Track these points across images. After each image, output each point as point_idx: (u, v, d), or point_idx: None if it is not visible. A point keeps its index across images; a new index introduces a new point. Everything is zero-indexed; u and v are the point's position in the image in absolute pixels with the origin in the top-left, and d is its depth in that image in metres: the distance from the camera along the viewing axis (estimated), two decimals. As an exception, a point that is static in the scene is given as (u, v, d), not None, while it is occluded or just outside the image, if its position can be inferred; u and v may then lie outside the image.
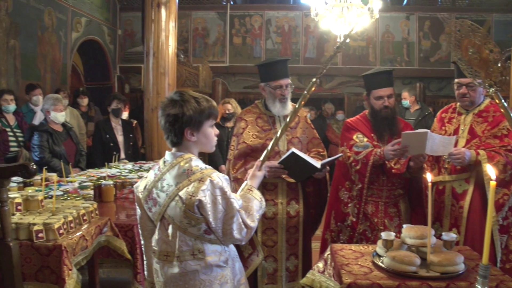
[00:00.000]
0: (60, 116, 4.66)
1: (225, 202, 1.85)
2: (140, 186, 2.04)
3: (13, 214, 2.56)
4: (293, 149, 2.72)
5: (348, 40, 2.51)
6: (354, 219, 3.08)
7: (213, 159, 5.57)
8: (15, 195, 2.74)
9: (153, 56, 6.17)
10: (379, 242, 2.24)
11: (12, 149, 5.12)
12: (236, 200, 1.92)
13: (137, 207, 2.08)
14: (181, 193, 1.83)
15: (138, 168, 4.67)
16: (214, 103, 1.99)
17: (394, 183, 3.06)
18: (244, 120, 3.11)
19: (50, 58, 7.46)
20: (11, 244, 2.32)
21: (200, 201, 1.80)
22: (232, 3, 10.49)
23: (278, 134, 2.56)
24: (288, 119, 2.61)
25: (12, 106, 5.21)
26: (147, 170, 4.49)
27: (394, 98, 3.11)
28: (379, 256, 2.21)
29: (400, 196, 3.10)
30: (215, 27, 10.38)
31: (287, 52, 10.21)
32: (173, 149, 1.98)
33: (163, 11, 6.22)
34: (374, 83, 3.09)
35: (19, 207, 2.68)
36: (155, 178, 1.95)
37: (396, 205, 3.09)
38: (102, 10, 9.46)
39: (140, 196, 2.02)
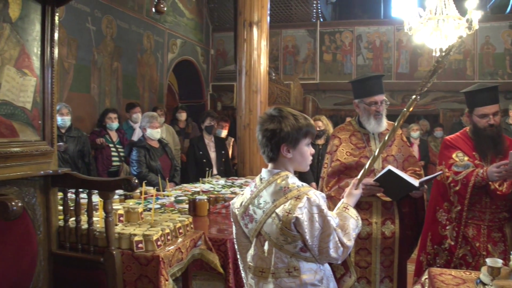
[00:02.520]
0: (155, 132, 4.90)
1: (322, 220, 1.82)
2: (236, 203, 2.07)
3: (116, 225, 2.71)
4: (390, 167, 2.63)
5: (451, 53, 2.38)
6: (452, 243, 2.90)
7: (304, 176, 5.53)
8: (118, 207, 2.91)
9: (246, 74, 6.30)
10: (484, 269, 2.07)
11: (114, 163, 5.49)
12: (333, 218, 1.88)
13: (233, 223, 2.11)
14: (278, 210, 1.83)
15: (230, 183, 4.77)
16: (312, 122, 1.97)
17: (498, 205, 2.84)
18: (338, 138, 3.07)
19: (148, 78, 7.92)
20: (114, 252, 2.45)
21: (297, 218, 1.78)
22: (321, 20, 10.49)
23: (376, 153, 2.49)
24: (386, 137, 2.53)
25: (115, 124, 5.60)
26: (239, 186, 4.58)
27: (500, 115, 2.90)
28: (484, 284, 2.04)
29: (506, 219, 2.87)
30: (305, 45, 10.43)
31: (378, 67, 9.99)
32: (269, 166, 1.99)
33: (255, 31, 6.36)
34: (478, 100, 2.89)
35: (121, 218, 2.84)
36: (251, 195, 1.97)
37: (501, 229, 2.85)
38: (195, 31, 9.90)
39: (236, 212, 2.05)
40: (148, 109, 7.22)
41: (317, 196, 1.85)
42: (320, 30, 10.32)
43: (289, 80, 9.28)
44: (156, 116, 5.04)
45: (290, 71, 10.49)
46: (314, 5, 10.27)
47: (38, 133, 2.51)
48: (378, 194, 2.86)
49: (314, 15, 10.38)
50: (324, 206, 1.85)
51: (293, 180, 1.91)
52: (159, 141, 5.04)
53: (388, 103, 3.01)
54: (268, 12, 6.59)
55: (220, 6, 10.55)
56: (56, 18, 2.62)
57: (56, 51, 2.61)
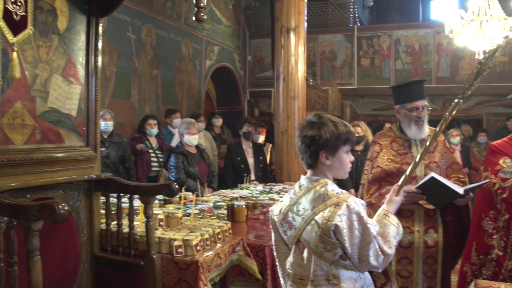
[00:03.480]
0: (193, 139, 4.96)
1: (362, 227, 1.80)
2: (275, 210, 2.07)
3: (156, 229, 2.76)
4: (433, 174, 2.56)
5: (497, 54, 2.30)
6: (500, 253, 2.78)
7: (342, 183, 5.48)
8: (158, 212, 2.96)
9: (283, 80, 6.31)
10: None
11: (153, 168, 5.58)
12: (373, 225, 1.85)
13: (272, 230, 2.11)
14: (317, 218, 1.82)
15: (268, 190, 4.77)
16: (352, 129, 1.95)
17: (552, 214, 2.72)
18: (379, 144, 3.02)
19: (186, 85, 8.04)
20: (154, 256, 2.50)
21: (336, 226, 1.77)
22: (359, 24, 10.38)
23: (417, 159, 2.43)
24: (428, 143, 2.47)
25: (155, 130, 5.70)
26: (277, 192, 4.58)
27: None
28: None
29: (558, 229, 2.74)
30: (342, 50, 10.34)
31: (418, 72, 9.79)
32: (308, 173, 1.98)
33: (292, 37, 6.37)
34: None
35: (161, 223, 2.88)
36: (290, 202, 1.97)
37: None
38: (233, 38, 9.98)
39: (276, 219, 2.04)
40: (186, 115, 7.31)
41: (357, 203, 1.83)
42: (357, 34, 10.22)
43: (326, 85, 9.21)
44: (193, 122, 5.10)
45: (327, 76, 10.42)
46: (351, 10, 10.18)
47: (83, 139, 2.59)
48: (421, 202, 2.79)
49: (351, 20, 10.29)
50: (363, 213, 1.83)
51: (333, 187, 1.89)
52: (197, 147, 5.09)
53: (430, 108, 2.94)
54: (305, 18, 6.58)
55: (256, 13, 10.61)
56: (100, 28, 2.71)
57: (99, 60, 2.69)
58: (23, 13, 1.66)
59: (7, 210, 1.82)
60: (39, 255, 1.79)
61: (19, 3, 1.64)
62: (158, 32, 7.18)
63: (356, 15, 10.24)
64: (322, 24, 10.39)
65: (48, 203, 1.66)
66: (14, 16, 1.62)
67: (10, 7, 1.60)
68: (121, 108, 6.22)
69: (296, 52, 6.36)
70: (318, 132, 1.87)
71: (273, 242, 2.14)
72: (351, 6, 10.15)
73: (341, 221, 1.77)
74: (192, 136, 4.95)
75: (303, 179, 1.97)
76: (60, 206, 1.64)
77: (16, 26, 1.63)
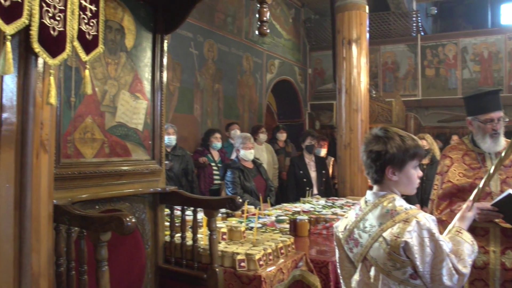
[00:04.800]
0: (249, 153, 4.92)
1: (434, 245, 1.70)
2: (340, 226, 2.01)
3: (219, 242, 2.77)
4: (510, 190, 2.39)
5: None
6: None
7: (408, 198, 5.29)
8: (221, 225, 2.97)
9: (346, 93, 6.22)
10: None
11: (215, 181, 5.65)
12: (446, 242, 1.75)
13: (336, 247, 2.05)
14: (385, 234, 1.74)
15: (331, 204, 4.69)
16: (420, 143, 1.87)
17: None
18: (449, 158, 2.87)
19: (247, 98, 8.11)
20: (217, 270, 2.50)
21: (406, 242, 1.68)
22: (422, 33, 10.07)
23: (492, 170, 2.29)
24: (502, 155, 2.32)
25: (220, 144, 5.80)
26: (340, 207, 4.49)
27: None
28: None
29: None
30: (405, 60, 10.07)
31: (487, 81, 9.33)
32: (375, 188, 1.91)
33: (354, 48, 6.28)
34: None
35: (224, 236, 2.89)
36: (356, 218, 1.90)
37: None
38: (293, 51, 9.99)
39: (340, 236, 1.98)
40: (247, 129, 7.37)
41: (427, 219, 1.74)
42: (421, 44, 9.91)
43: (389, 97, 8.99)
44: (249, 137, 5.08)
45: (390, 88, 10.17)
46: (414, 19, 9.90)
47: (148, 152, 2.66)
48: (497, 220, 2.62)
49: (414, 29, 10.00)
50: (435, 229, 1.73)
51: (401, 203, 1.81)
52: (253, 161, 5.08)
53: (507, 119, 2.76)
54: (367, 28, 6.48)
55: (317, 26, 10.58)
56: (165, 45, 2.78)
57: (165, 75, 2.77)
58: (95, 33, 1.73)
59: (78, 221, 1.88)
60: (107, 265, 1.83)
61: (91, 24, 1.71)
62: (219, 47, 7.31)
63: (420, 24, 9.95)
64: (384, 35, 10.18)
65: (116, 216, 1.70)
66: (87, 36, 1.69)
67: (83, 27, 1.67)
68: (184, 122, 6.36)
69: (358, 64, 6.27)
70: (384, 147, 1.80)
71: (337, 259, 2.07)
72: (414, 15, 9.88)
73: (411, 237, 1.69)
74: (248, 151, 4.91)
75: (369, 195, 1.91)
76: (127, 219, 1.68)
77: (89, 45, 1.70)
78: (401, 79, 10.09)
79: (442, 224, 2.65)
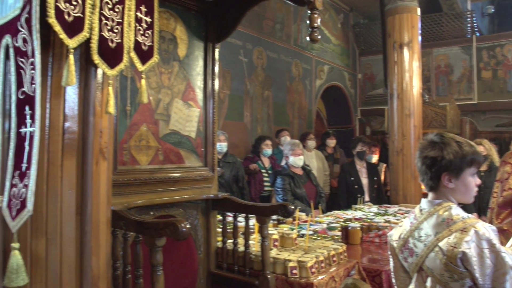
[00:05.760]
0: (298, 160, 4.90)
1: (494, 256, 1.62)
2: (394, 235, 1.96)
3: (271, 249, 2.77)
4: None
5: None
6: None
7: (465, 206, 5.11)
8: (272, 232, 2.98)
9: (397, 97, 6.11)
10: None
11: (266, 188, 5.66)
12: (508, 254, 1.66)
13: (390, 256, 2.00)
14: (441, 244, 1.68)
15: (383, 211, 4.60)
16: (478, 150, 1.80)
17: None
18: (510, 164, 2.75)
19: (297, 105, 8.10)
20: (269, 276, 2.50)
21: (464, 253, 1.62)
22: (478, 34, 9.70)
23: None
24: None
25: (270, 151, 5.82)
26: (393, 214, 4.39)
27: None
28: None
29: None
30: (460, 63, 9.73)
31: (553, 82, 8.87)
32: (430, 196, 1.85)
33: (405, 52, 6.16)
34: None
35: (276, 243, 2.89)
36: (411, 227, 1.85)
37: None
38: (342, 57, 9.90)
39: (395, 245, 1.93)
40: (297, 135, 7.36)
41: (487, 229, 1.67)
42: (476, 45, 9.54)
43: (443, 101, 8.71)
44: (298, 143, 5.07)
45: (443, 92, 9.85)
46: (469, 19, 9.55)
47: (201, 159, 2.71)
48: None
49: (469, 30, 9.64)
50: (495, 240, 1.65)
51: (457, 211, 1.75)
52: (303, 168, 5.05)
53: None
54: (419, 31, 6.33)
55: (366, 30, 10.44)
56: (217, 53, 2.83)
57: (216, 83, 2.81)
58: (150, 43, 1.78)
59: (135, 226, 1.94)
60: (162, 270, 1.88)
61: (147, 35, 1.76)
62: (268, 54, 7.35)
63: (475, 24, 9.59)
64: (437, 37, 9.88)
65: (171, 221, 1.74)
66: (143, 47, 1.75)
67: (139, 38, 1.73)
68: (234, 129, 6.43)
69: (411, 68, 6.13)
70: (440, 153, 1.75)
71: (391, 269, 2.03)
72: (469, 16, 9.53)
73: (469, 248, 1.62)
74: (297, 157, 4.90)
75: (424, 203, 1.85)
76: (182, 225, 1.71)
77: (144, 55, 1.76)
78: (455, 83, 9.75)
79: (504, 234, 2.54)
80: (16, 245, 1.44)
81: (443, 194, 1.81)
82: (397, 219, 4.06)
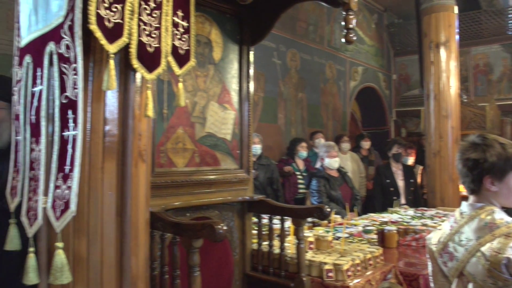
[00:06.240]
0: (334, 162, 4.89)
1: (541, 263, 1.57)
2: (433, 238, 1.92)
3: (306, 252, 2.76)
4: None
5: None
6: None
7: (508, 210, 4.96)
8: (308, 234, 2.97)
9: (434, 98, 5.98)
10: None
11: (300, 191, 5.65)
12: (555, 261, 1.61)
13: (429, 259, 1.96)
14: (484, 249, 1.64)
15: (420, 214, 4.51)
16: None
17: None
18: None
19: (331, 106, 8.05)
20: (304, 279, 2.49)
21: (508, 259, 1.57)
22: (520, 31, 9.39)
23: None
24: None
25: (305, 153, 5.81)
26: (430, 218, 4.30)
27: None
28: None
29: None
30: (500, 61, 9.45)
31: None
32: (471, 199, 1.81)
33: (442, 52, 6.03)
34: None
35: (311, 246, 2.88)
36: (451, 231, 1.81)
37: None
38: (377, 57, 9.78)
39: (434, 248, 1.90)
40: (331, 137, 7.31)
41: (532, 234, 1.62)
42: (518, 43, 9.26)
43: (482, 102, 8.48)
44: (333, 145, 5.05)
45: (482, 92, 9.59)
46: (510, 16, 9.26)
47: (237, 161, 2.73)
48: None
49: (510, 27, 9.35)
50: (543, 247, 1.60)
51: (501, 215, 1.70)
52: (338, 170, 5.02)
53: None
54: (457, 30, 6.19)
55: (400, 30, 10.27)
56: (251, 56, 2.85)
57: (251, 86, 2.83)
58: (187, 47, 1.81)
59: (172, 227, 1.97)
60: (199, 271, 1.90)
61: (183, 39, 1.79)
62: (302, 56, 7.34)
63: (517, 21, 9.30)
64: (475, 36, 9.62)
65: (208, 223, 1.76)
66: (180, 51, 1.78)
67: (176, 43, 1.76)
68: (269, 131, 6.44)
69: (448, 68, 6.00)
70: (482, 155, 1.70)
71: (429, 273, 1.99)
72: (510, 12, 9.24)
73: (514, 254, 1.58)
74: (333, 159, 4.89)
75: (464, 206, 1.81)
76: (219, 226, 1.73)
77: (181, 59, 1.79)
78: (495, 82, 9.49)
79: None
80: (60, 244, 1.48)
81: (485, 198, 1.76)
82: (435, 223, 3.97)
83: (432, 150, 5.97)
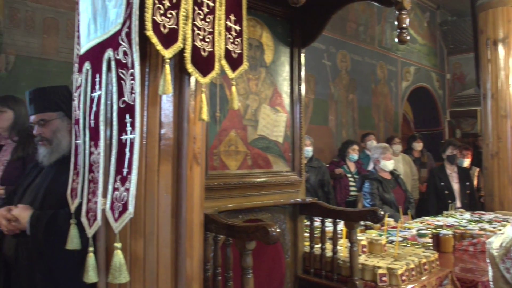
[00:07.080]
0: (389, 164, 4.82)
1: None
2: (494, 243, 1.85)
3: (359, 255, 2.71)
4: None
5: None
6: None
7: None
8: (361, 237, 2.92)
9: (492, 98, 5.75)
10: None
11: (351, 193, 5.59)
12: None
13: (489, 265, 1.89)
14: (551, 254, 1.57)
15: (477, 218, 4.34)
16: None
17: None
18: None
19: (382, 108, 7.90)
20: (357, 283, 2.45)
21: None
22: None
23: None
24: None
25: (356, 156, 5.75)
26: (488, 222, 4.14)
27: None
28: None
29: None
30: None
31: None
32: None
33: (500, 49, 5.79)
34: None
35: (364, 249, 2.83)
36: (514, 234, 1.74)
37: None
38: (429, 57, 9.52)
39: (495, 253, 1.82)
40: (383, 139, 7.18)
41: None
42: None
43: (544, 101, 8.07)
44: (388, 147, 4.99)
45: (543, 90, 9.12)
46: None
47: (289, 164, 2.73)
48: None
49: None
50: None
51: None
52: (391, 172, 4.94)
53: None
54: (516, 26, 5.92)
55: (454, 28, 9.94)
56: (302, 58, 2.84)
57: (303, 88, 2.82)
58: (240, 51, 1.83)
59: (225, 229, 1.99)
60: (252, 273, 1.90)
61: (236, 43, 1.81)
62: (352, 57, 7.25)
63: None
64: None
65: (262, 225, 1.76)
66: (233, 54, 1.80)
67: (229, 47, 1.79)
68: (319, 133, 6.40)
69: (506, 66, 5.74)
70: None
71: (490, 279, 1.91)
72: None
73: None
74: (388, 161, 4.83)
75: (529, 210, 1.73)
76: (272, 229, 1.73)
77: (234, 63, 1.81)
78: (557, 80, 8.99)
79: None
80: (118, 245, 1.53)
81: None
82: (494, 227, 3.81)
83: (490, 151, 5.73)
